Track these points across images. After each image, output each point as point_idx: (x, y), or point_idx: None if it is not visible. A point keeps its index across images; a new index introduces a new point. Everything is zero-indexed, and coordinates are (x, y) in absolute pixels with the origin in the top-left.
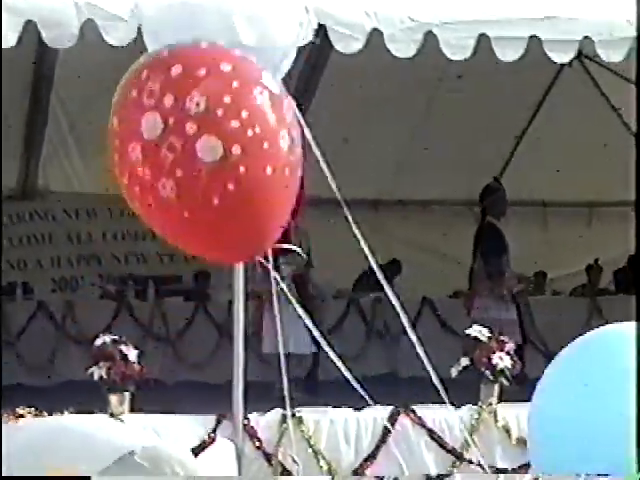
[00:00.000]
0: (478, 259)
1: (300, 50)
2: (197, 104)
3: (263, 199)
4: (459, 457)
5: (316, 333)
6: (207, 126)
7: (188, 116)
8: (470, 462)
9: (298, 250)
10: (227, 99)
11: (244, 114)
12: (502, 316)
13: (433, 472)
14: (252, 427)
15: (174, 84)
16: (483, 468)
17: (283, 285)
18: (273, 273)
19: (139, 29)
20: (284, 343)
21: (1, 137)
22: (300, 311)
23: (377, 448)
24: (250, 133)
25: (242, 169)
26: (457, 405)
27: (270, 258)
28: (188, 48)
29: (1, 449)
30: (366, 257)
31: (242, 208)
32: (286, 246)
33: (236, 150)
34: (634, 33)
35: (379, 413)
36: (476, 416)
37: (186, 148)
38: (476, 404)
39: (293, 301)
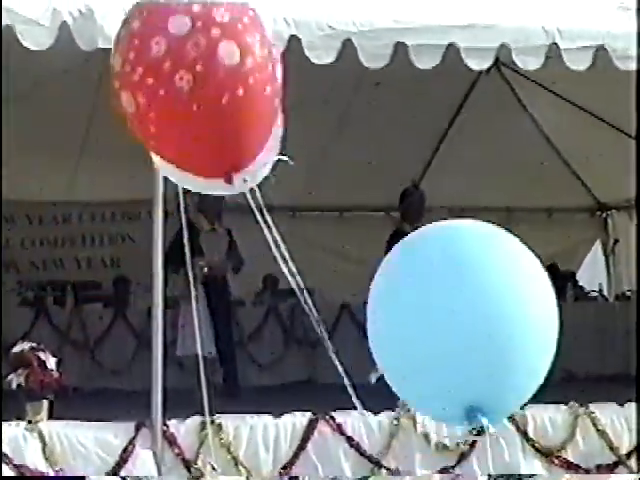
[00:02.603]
0: None
1: None
2: (222, 16)
3: (261, 113)
4: (377, 464)
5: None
6: (230, 34)
7: (215, 22)
8: (388, 469)
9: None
10: (246, 19)
11: (257, 36)
12: None
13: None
14: (172, 434)
15: None
16: (400, 474)
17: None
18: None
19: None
20: (191, 344)
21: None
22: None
23: (295, 455)
24: (260, 53)
25: (251, 80)
26: (376, 411)
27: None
28: None
29: (1, 449)
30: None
31: (245, 113)
32: None
33: (250, 62)
34: (550, 41)
35: (298, 420)
36: (395, 422)
37: (210, 46)
38: (394, 410)
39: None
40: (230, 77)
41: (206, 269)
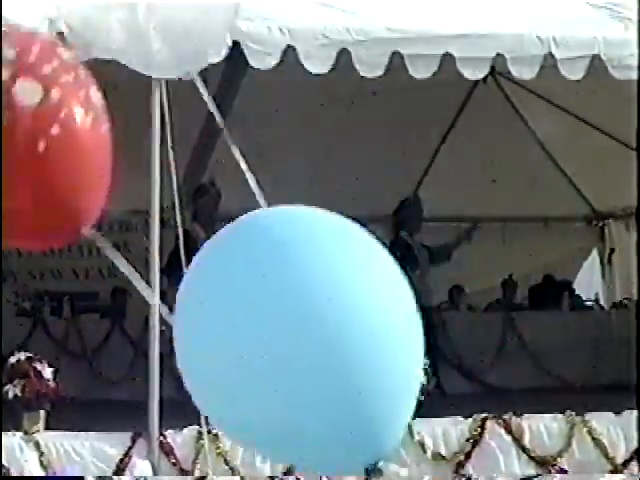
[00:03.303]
0: None
1: (215, 67)
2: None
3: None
4: None
5: None
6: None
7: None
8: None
9: None
10: (36, 48)
11: (56, 62)
12: None
13: None
14: (168, 444)
15: None
16: None
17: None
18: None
19: None
20: None
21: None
22: None
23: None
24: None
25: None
26: None
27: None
28: None
29: (1, 451)
30: None
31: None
32: None
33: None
34: (545, 50)
35: None
36: None
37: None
38: None
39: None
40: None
41: None
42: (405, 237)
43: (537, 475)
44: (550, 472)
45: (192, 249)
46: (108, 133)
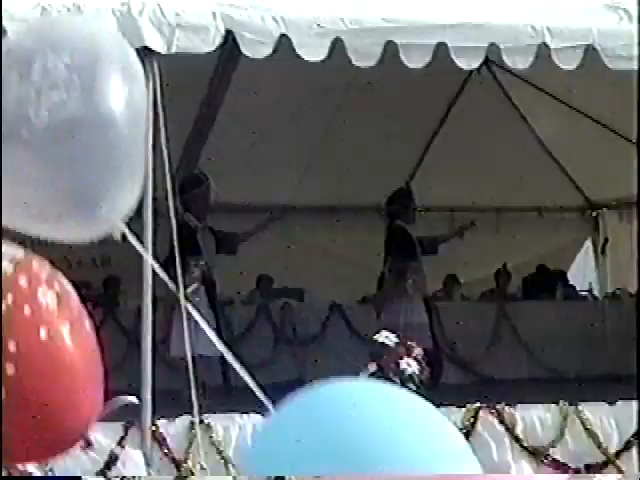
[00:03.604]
0: (388, 263)
1: (209, 55)
2: None
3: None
4: None
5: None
6: None
7: None
8: None
9: None
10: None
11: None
12: (414, 320)
13: None
14: (161, 434)
15: None
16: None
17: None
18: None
19: None
20: (193, 346)
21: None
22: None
23: None
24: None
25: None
26: None
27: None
28: None
29: (1, 449)
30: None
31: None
32: None
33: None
34: (539, 40)
35: None
36: None
37: None
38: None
39: (192, 310)
40: None
41: (205, 267)
42: (402, 226)
43: None
44: (543, 462)
45: (191, 240)
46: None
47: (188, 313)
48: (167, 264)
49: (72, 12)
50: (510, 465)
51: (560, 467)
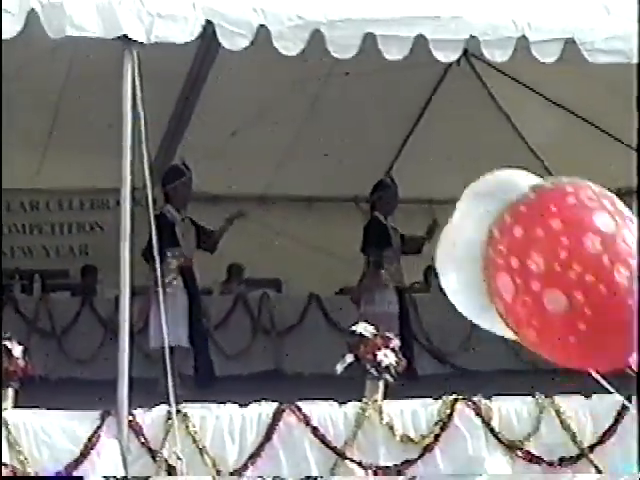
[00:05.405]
0: (367, 254)
1: (188, 46)
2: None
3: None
4: (341, 455)
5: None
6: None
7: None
8: (352, 460)
9: None
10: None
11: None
12: (387, 309)
13: (314, 471)
14: (137, 423)
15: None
16: (364, 467)
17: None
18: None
19: None
20: (171, 337)
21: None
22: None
23: (261, 446)
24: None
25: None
26: (342, 402)
27: (156, 250)
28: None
29: (1, 449)
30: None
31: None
32: None
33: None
34: (519, 33)
35: (264, 410)
36: (360, 412)
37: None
38: (361, 401)
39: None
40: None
41: (182, 259)
42: (378, 216)
43: None
44: (517, 456)
45: (169, 232)
46: None
47: (164, 304)
48: (145, 255)
49: (52, 3)
50: (484, 458)
51: (534, 460)
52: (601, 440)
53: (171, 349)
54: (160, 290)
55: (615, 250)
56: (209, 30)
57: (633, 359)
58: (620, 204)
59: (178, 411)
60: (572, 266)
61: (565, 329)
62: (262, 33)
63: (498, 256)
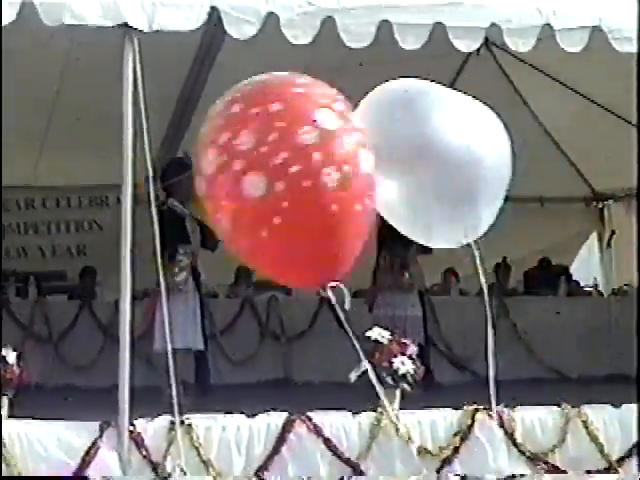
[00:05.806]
0: (383, 252)
1: (192, 34)
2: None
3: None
4: (355, 468)
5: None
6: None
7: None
8: (366, 474)
9: None
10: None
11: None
12: (408, 312)
13: None
14: (138, 434)
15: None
16: None
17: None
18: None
19: None
20: (175, 338)
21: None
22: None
23: (269, 458)
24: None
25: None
26: (355, 411)
27: (158, 249)
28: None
29: (1, 449)
30: None
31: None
32: None
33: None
34: (543, 21)
35: (273, 420)
36: (375, 423)
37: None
38: (376, 410)
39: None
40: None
41: (192, 257)
42: None
43: (522, 475)
44: (542, 469)
45: (180, 227)
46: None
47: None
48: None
49: None
50: (507, 471)
51: (559, 473)
52: (630, 452)
53: (175, 352)
54: (163, 290)
55: (330, 150)
56: (214, 17)
57: (335, 283)
58: (354, 116)
59: (182, 421)
60: (279, 152)
61: (259, 219)
62: (270, 20)
63: (212, 131)
